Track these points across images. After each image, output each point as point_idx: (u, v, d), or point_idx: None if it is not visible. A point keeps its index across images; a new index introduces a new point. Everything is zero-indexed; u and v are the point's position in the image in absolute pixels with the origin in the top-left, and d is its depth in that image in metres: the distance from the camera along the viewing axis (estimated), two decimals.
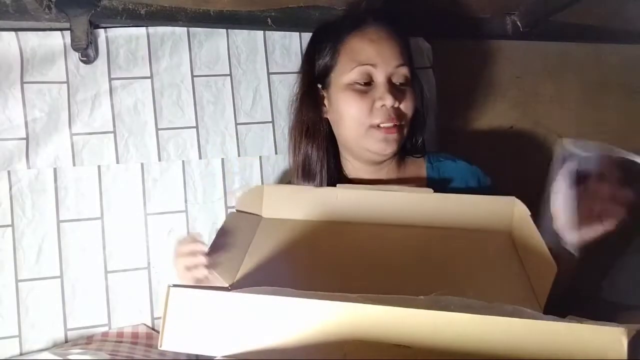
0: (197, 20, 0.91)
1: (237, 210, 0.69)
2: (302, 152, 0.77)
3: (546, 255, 0.51)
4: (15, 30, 0.85)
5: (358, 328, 0.39)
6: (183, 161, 0.93)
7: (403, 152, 0.80)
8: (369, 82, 0.72)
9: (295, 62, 0.98)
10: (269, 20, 0.94)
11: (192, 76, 0.94)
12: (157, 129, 0.92)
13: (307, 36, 0.98)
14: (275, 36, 0.98)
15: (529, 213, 0.60)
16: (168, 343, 0.42)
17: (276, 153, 0.97)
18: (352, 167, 0.80)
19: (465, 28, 1.04)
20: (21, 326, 0.83)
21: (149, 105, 0.92)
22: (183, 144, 0.93)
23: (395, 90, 0.72)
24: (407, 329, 0.39)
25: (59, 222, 0.86)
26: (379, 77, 0.72)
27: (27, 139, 0.86)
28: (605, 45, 1.12)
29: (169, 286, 0.43)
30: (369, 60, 0.72)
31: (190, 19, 0.90)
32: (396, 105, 0.71)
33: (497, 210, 0.65)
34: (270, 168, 0.96)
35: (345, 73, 0.73)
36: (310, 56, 0.80)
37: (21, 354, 0.82)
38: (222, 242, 0.59)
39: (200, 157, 0.93)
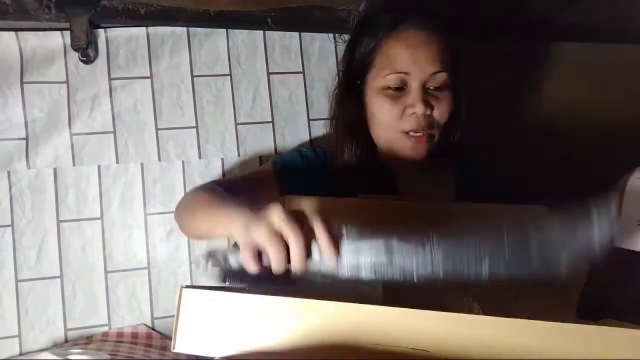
0: (197, 20, 0.91)
1: None
2: (342, 145, 0.76)
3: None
4: (15, 30, 0.85)
5: (373, 331, 0.39)
6: (183, 161, 0.93)
7: (437, 149, 0.77)
8: (402, 87, 0.70)
9: (295, 62, 0.98)
10: (269, 20, 0.94)
11: (192, 76, 0.94)
12: (157, 129, 0.92)
13: (307, 36, 0.99)
14: (275, 36, 0.98)
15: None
16: (181, 345, 0.41)
17: (276, 153, 0.97)
18: (385, 157, 0.78)
19: (465, 28, 1.04)
20: (21, 326, 0.83)
21: (148, 105, 0.92)
22: (183, 144, 0.93)
23: (429, 96, 0.70)
24: (426, 332, 0.38)
25: (59, 222, 0.86)
26: (413, 84, 0.69)
27: (27, 139, 0.86)
28: (605, 45, 1.12)
29: (182, 287, 0.42)
30: (403, 68, 0.69)
31: (190, 19, 0.90)
32: (428, 112, 0.69)
33: (521, 218, 0.63)
34: None
35: (379, 77, 0.71)
36: (352, 47, 0.77)
37: (21, 354, 0.82)
38: None
39: (200, 157, 0.93)
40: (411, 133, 0.70)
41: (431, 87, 0.70)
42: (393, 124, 0.71)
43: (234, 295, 0.42)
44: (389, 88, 0.70)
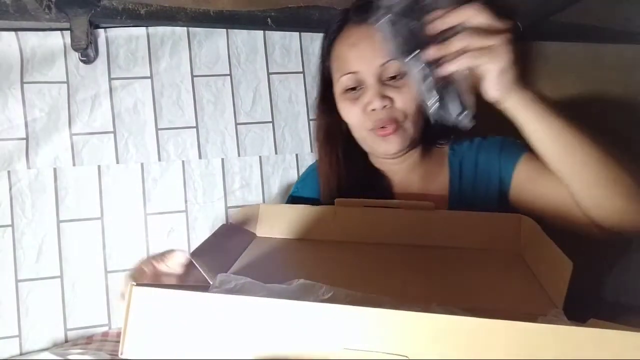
0: (197, 20, 0.91)
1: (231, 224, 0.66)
2: (324, 156, 0.78)
3: (559, 253, 0.48)
4: (15, 30, 0.85)
5: (345, 334, 0.35)
6: (183, 161, 0.93)
7: (428, 141, 0.76)
8: (359, 86, 0.70)
9: (295, 62, 0.98)
10: (268, 20, 0.94)
11: (192, 76, 0.94)
12: (157, 129, 0.92)
13: (307, 36, 0.99)
14: (275, 36, 0.98)
15: (538, 227, 0.58)
16: (131, 351, 0.37)
17: (276, 153, 0.97)
18: (376, 159, 0.79)
19: None
20: (21, 326, 0.83)
21: (148, 105, 0.92)
22: (183, 144, 0.93)
23: (388, 88, 0.68)
24: (403, 336, 0.34)
25: (59, 222, 0.86)
26: (367, 80, 0.68)
27: (27, 139, 0.86)
28: (605, 46, 1.12)
29: (132, 285, 0.38)
30: (351, 68, 0.69)
31: (190, 18, 0.90)
32: (388, 105, 0.67)
33: (503, 227, 0.62)
34: (270, 168, 0.97)
35: (337, 82, 0.72)
36: (322, 59, 0.78)
37: (21, 354, 0.82)
38: (210, 245, 0.54)
39: (200, 157, 0.93)
40: (377, 129, 0.69)
41: (387, 79, 0.68)
42: (359, 124, 0.71)
43: (191, 295, 0.38)
44: (348, 89, 0.70)
